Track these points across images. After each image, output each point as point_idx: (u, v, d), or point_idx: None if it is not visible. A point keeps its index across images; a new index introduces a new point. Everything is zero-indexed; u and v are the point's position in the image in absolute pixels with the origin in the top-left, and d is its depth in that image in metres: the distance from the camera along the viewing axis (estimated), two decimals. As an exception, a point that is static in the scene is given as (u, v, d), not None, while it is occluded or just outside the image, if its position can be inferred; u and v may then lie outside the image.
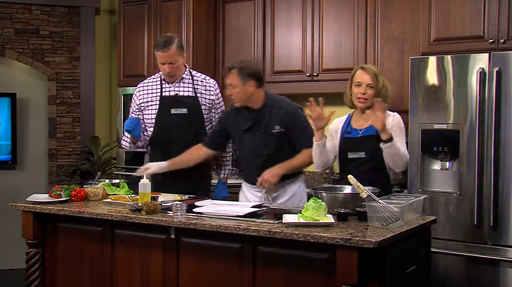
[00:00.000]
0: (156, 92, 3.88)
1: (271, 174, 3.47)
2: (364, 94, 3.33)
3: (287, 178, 3.57)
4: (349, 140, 3.40)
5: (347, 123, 3.46)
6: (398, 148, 3.23)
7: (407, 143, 3.92)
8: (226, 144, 3.82)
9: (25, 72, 5.99)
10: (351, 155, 3.37)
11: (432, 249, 3.15)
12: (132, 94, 5.35)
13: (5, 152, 5.79)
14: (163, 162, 3.73)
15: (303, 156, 3.51)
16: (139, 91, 3.95)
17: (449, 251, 3.72)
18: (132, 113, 3.97)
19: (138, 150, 5.03)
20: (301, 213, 2.75)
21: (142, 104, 3.90)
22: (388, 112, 3.38)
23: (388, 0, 4.41)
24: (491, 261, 3.58)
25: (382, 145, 3.22)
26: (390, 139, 3.20)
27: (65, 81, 5.91)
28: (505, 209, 3.56)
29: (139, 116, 3.92)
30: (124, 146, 4.03)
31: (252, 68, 3.53)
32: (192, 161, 3.75)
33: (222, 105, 3.99)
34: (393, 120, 3.34)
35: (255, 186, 3.58)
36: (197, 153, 3.75)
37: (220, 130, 3.74)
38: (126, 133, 3.92)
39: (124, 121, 5.39)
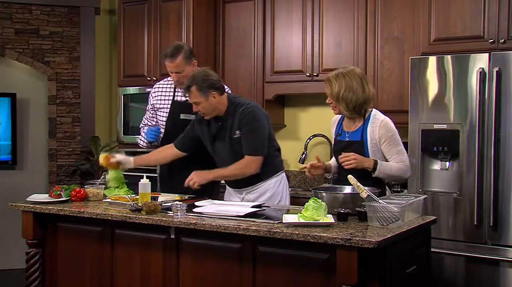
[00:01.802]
0: (169, 96, 3.95)
1: (199, 176, 3.46)
2: (331, 103, 3.32)
3: (265, 176, 3.55)
4: (339, 142, 3.40)
5: (340, 124, 3.44)
6: (388, 169, 3.21)
7: (406, 143, 3.93)
8: (196, 147, 3.73)
9: (25, 72, 5.99)
10: (341, 162, 3.34)
11: (432, 249, 3.15)
12: (132, 94, 5.41)
13: (5, 152, 5.79)
14: (130, 157, 3.78)
15: (240, 166, 3.45)
16: (154, 91, 4.03)
17: (449, 251, 3.72)
18: (147, 110, 4.06)
19: (138, 150, 5.06)
20: (301, 213, 2.76)
21: (156, 105, 3.99)
22: (377, 115, 3.29)
23: (388, 0, 4.41)
24: (491, 261, 3.58)
25: (373, 175, 3.20)
26: (374, 168, 3.18)
27: (65, 81, 5.91)
28: (505, 209, 3.56)
29: (154, 114, 4.01)
30: (141, 146, 4.12)
31: (209, 79, 3.45)
32: (162, 159, 3.79)
33: None
34: (380, 129, 3.23)
35: (237, 189, 3.61)
36: (169, 152, 3.75)
37: (193, 134, 3.70)
38: (142, 134, 4.04)
39: (123, 121, 5.45)
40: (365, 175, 3.14)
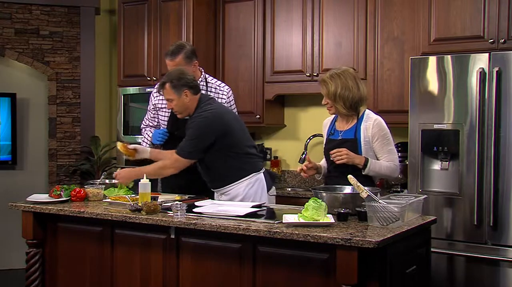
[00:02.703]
0: None
1: (123, 175, 3.58)
2: (327, 104, 3.39)
3: (233, 179, 3.55)
4: (331, 141, 3.44)
5: (333, 124, 3.50)
6: (378, 168, 3.28)
7: (406, 143, 3.94)
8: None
9: (25, 72, 5.99)
10: (332, 157, 3.37)
11: (432, 249, 3.15)
12: (132, 94, 5.41)
13: (5, 152, 5.79)
14: (147, 148, 3.83)
15: (160, 165, 3.54)
16: (156, 91, 4.01)
17: (449, 251, 3.72)
18: (148, 111, 4.06)
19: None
20: (301, 213, 2.76)
21: (158, 105, 3.98)
22: (370, 115, 3.38)
23: (388, 0, 4.41)
24: (491, 261, 3.58)
25: (363, 172, 3.26)
26: (365, 165, 3.25)
27: (65, 81, 5.91)
28: (505, 209, 3.56)
29: (155, 114, 4.01)
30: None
31: (183, 77, 3.52)
32: None
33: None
34: (373, 127, 3.32)
35: (213, 189, 3.65)
36: None
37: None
38: (146, 136, 4.03)
39: (123, 121, 5.44)
40: (355, 173, 3.15)
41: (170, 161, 3.53)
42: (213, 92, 3.88)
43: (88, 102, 5.97)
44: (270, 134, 5.38)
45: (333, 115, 3.51)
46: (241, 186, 3.55)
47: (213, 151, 3.50)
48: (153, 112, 4.02)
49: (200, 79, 3.87)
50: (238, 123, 3.64)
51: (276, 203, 3.66)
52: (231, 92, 3.96)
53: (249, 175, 3.58)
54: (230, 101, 3.94)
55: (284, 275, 2.73)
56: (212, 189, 3.66)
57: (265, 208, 3.27)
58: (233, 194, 3.56)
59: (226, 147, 3.52)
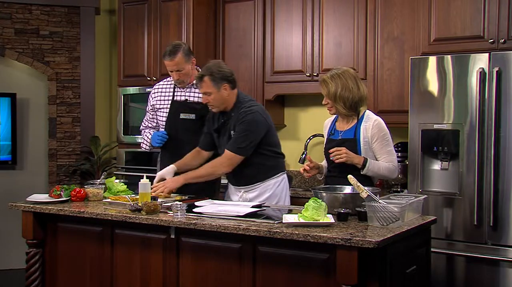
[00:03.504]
0: (169, 96, 3.95)
1: (173, 181, 3.49)
2: (327, 104, 3.40)
3: (264, 177, 3.56)
4: (331, 141, 3.46)
5: (333, 124, 3.52)
6: (377, 168, 3.29)
7: (406, 143, 3.94)
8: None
9: (25, 72, 5.99)
10: (332, 157, 3.38)
11: (432, 249, 3.15)
12: (132, 94, 5.42)
13: (5, 152, 5.79)
14: (172, 167, 3.68)
15: (213, 164, 3.49)
16: (154, 92, 4.03)
17: (449, 251, 3.72)
18: (147, 112, 4.06)
19: (138, 150, 5.06)
20: (301, 213, 2.76)
21: (156, 106, 3.99)
22: (370, 115, 3.39)
23: (388, 0, 4.41)
24: (491, 261, 3.58)
25: (361, 172, 3.27)
26: (364, 165, 3.26)
27: (65, 81, 5.91)
28: (505, 209, 3.56)
29: (154, 115, 4.01)
30: (144, 149, 4.09)
31: (223, 71, 3.50)
32: (196, 165, 3.71)
33: None
34: (373, 127, 3.33)
35: (236, 187, 3.64)
36: (203, 156, 3.72)
37: (209, 132, 3.71)
38: (146, 137, 4.02)
39: (123, 121, 5.44)
40: (353, 173, 3.15)
41: (222, 159, 3.47)
42: None
43: (88, 102, 5.97)
44: (270, 134, 5.37)
45: (334, 115, 3.53)
46: (270, 183, 3.57)
47: (256, 148, 3.51)
48: (151, 113, 4.02)
49: None
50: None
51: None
52: None
53: (278, 173, 3.61)
54: None
55: (284, 275, 2.73)
56: (235, 187, 3.64)
57: (265, 208, 3.27)
58: (261, 191, 3.56)
59: (265, 144, 3.53)
